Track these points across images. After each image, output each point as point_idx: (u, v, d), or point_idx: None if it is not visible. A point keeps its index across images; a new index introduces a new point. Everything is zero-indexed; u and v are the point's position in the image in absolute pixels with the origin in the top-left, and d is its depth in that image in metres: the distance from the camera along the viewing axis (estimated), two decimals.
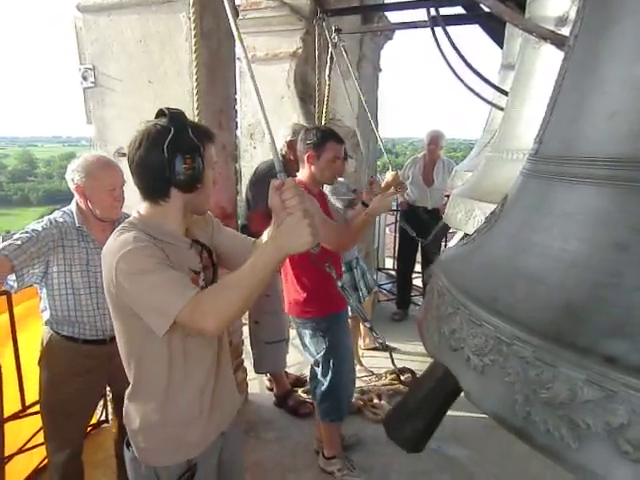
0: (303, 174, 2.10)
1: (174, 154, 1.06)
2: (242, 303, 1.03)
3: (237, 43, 1.14)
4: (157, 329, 1.04)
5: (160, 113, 1.13)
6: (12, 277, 1.60)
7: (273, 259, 1.01)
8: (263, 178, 2.61)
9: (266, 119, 1.09)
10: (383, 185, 2.59)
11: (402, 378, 3.12)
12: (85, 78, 2.26)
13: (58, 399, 1.78)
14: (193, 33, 1.85)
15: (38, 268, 1.68)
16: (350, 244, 2.23)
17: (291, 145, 2.57)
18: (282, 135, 2.68)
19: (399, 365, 3.04)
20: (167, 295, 1.02)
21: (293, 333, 2.61)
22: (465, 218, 1.18)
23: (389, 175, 2.67)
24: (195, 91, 1.91)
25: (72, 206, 1.80)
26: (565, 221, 0.51)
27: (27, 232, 1.67)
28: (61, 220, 1.75)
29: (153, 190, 1.13)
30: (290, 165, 2.48)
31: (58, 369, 1.78)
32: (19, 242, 1.60)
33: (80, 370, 1.77)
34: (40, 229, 1.68)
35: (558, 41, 0.96)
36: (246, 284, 1.01)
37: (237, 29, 1.13)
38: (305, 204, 1.01)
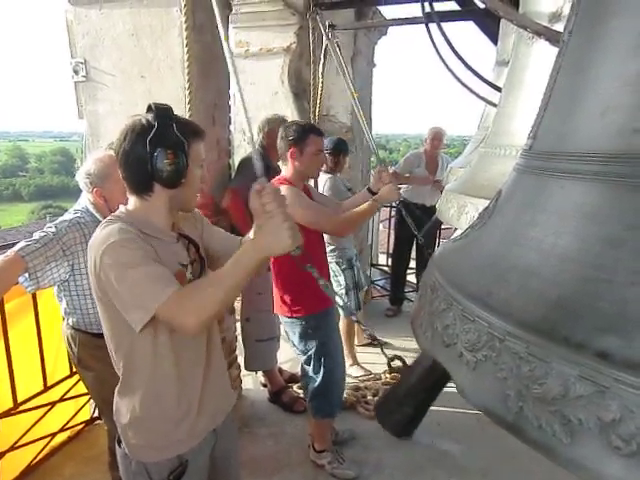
0: (287, 171, 2.08)
1: (156, 149, 1.06)
2: (222, 301, 1.04)
3: (230, 39, 1.12)
4: (134, 324, 1.04)
5: (148, 108, 1.12)
6: (27, 276, 1.57)
7: (253, 260, 1.02)
8: (247, 162, 2.66)
9: (248, 119, 1.09)
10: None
11: (395, 367, 3.11)
12: (76, 72, 2.23)
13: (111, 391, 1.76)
14: (185, 26, 1.83)
15: (57, 272, 1.65)
16: (351, 228, 2.21)
17: (270, 135, 2.58)
18: (258, 128, 2.77)
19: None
20: (147, 290, 1.02)
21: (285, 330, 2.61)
22: (457, 214, 1.18)
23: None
24: (187, 85, 1.89)
25: (85, 204, 1.76)
26: (558, 217, 0.51)
27: (48, 233, 1.63)
28: (83, 221, 1.72)
29: (137, 184, 1.14)
30: (271, 154, 2.53)
31: (99, 365, 1.72)
32: (38, 244, 1.57)
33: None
34: (64, 232, 1.65)
35: (552, 37, 0.96)
36: (227, 283, 1.02)
37: (223, 26, 1.10)
38: (285, 208, 1.02)
